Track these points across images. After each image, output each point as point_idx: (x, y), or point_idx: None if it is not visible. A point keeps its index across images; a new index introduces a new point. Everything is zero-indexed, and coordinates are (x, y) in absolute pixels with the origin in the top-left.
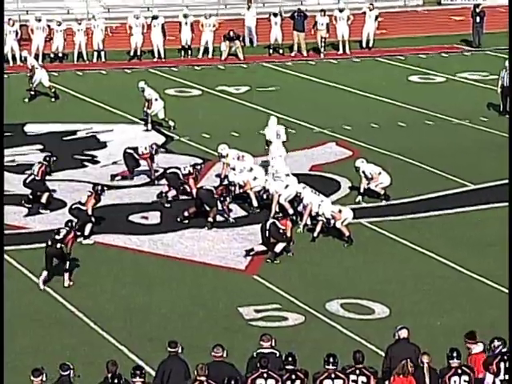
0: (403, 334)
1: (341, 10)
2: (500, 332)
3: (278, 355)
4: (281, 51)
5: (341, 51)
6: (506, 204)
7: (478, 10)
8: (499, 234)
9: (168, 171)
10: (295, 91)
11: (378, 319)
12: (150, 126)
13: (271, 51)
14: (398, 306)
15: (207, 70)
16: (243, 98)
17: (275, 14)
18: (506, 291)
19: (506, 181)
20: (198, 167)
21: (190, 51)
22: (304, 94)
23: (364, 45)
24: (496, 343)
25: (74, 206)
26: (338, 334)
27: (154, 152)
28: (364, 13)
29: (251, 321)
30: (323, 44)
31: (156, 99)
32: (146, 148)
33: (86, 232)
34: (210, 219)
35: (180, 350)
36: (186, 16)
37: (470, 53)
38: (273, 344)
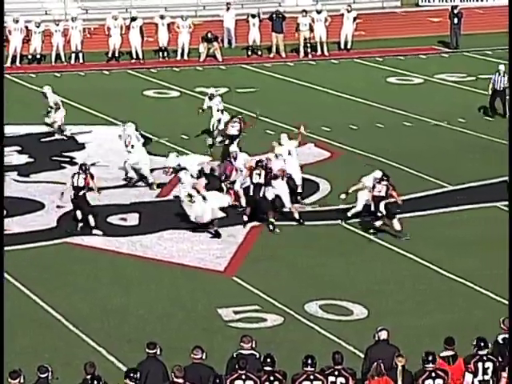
0: (383, 335)
1: (318, 12)
2: (483, 333)
3: (257, 356)
4: (259, 52)
5: (319, 52)
6: (485, 205)
7: (455, 12)
8: (478, 234)
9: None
10: (274, 92)
11: (356, 320)
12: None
13: (250, 52)
14: (376, 307)
15: (185, 71)
16: (222, 100)
17: (253, 16)
18: (487, 292)
19: (484, 182)
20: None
21: (166, 52)
22: (283, 95)
23: (342, 46)
24: (476, 343)
25: (79, 195)
26: (317, 335)
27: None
28: (342, 14)
29: (230, 322)
30: (308, 45)
31: (59, 108)
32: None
33: (92, 223)
34: (271, 219)
35: (158, 352)
36: (162, 17)
37: (447, 54)
38: (253, 345)
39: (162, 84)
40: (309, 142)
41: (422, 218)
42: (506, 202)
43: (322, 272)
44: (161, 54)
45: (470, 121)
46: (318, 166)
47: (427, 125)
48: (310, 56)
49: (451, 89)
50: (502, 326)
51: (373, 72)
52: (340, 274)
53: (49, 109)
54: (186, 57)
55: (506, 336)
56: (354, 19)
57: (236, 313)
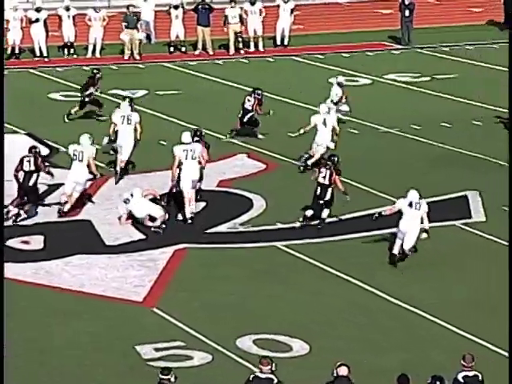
0: (342, 371)
1: (252, 3)
2: (441, 371)
3: (275, 382)
4: (183, 49)
5: (252, 49)
6: (441, 224)
7: (406, 3)
8: (433, 256)
9: None
10: (200, 95)
11: (296, 357)
12: None
13: (172, 49)
14: (319, 342)
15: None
16: (140, 104)
17: (176, 7)
18: (445, 324)
19: (442, 197)
20: None
21: (73, 49)
22: (210, 98)
23: (278, 42)
24: (431, 381)
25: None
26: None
27: None
28: (278, 5)
29: (150, 361)
30: (240, 40)
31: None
32: None
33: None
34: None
35: (173, 379)
36: (67, 9)
37: (398, 51)
38: (273, 369)
39: (70, 85)
40: (241, 152)
41: (369, 240)
42: (465, 221)
43: (256, 302)
44: (66, 50)
45: (424, 127)
46: (251, 180)
47: (375, 132)
48: (241, 53)
49: (403, 90)
50: (462, 362)
51: (313, 71)
52: (277, 305)
53: None
54: (98, 54)
55: (468, 374)
56: (292, 11)
57: (157, 350)
